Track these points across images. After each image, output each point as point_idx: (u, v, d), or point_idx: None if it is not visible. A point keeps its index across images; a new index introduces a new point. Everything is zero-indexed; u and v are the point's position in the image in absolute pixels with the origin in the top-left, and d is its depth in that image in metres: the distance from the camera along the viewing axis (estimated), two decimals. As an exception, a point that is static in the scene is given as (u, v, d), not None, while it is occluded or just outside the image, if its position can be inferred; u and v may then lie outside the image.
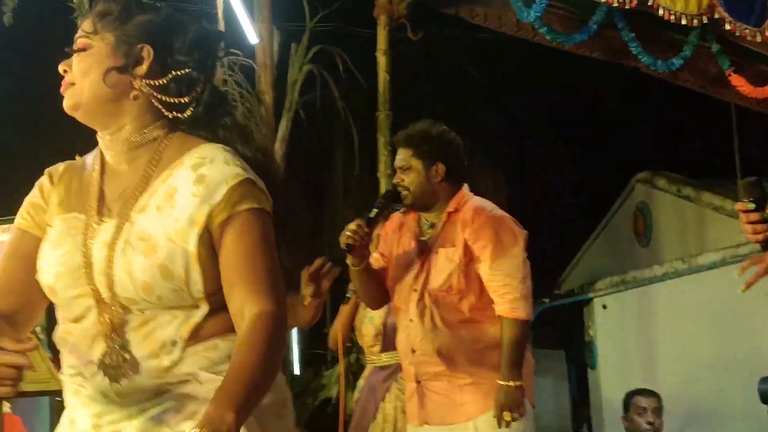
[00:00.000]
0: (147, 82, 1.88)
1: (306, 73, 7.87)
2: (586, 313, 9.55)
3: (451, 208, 3.61)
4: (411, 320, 3.58)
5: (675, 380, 7.56)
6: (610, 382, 8.85)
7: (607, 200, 9.97)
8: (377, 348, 4.68)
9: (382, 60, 6.95)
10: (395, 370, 4.51)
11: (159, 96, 1.89)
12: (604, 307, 9.27)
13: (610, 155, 11.41)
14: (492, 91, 11.24)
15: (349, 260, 3.55)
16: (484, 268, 3.50)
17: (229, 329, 1.81)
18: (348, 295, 4.58)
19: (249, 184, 1.83)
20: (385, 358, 4.60)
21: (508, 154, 10.82)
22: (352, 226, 3.50)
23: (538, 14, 6.22)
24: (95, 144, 1.98)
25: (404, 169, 3.64)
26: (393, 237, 3.75)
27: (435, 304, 3.54)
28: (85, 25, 1.93)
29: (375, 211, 3.60)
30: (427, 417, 3.56)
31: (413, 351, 3.58)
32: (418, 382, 3.58)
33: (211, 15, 6.85)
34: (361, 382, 4.83)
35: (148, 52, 1.88)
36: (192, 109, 1.92)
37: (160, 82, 1.89)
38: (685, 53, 6.71)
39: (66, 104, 1.92)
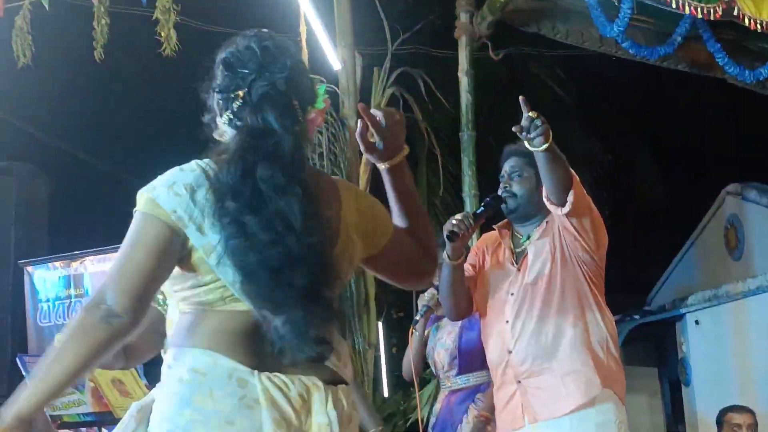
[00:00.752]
0: None
1: (389, 97, 7.94)
2: (678, 329, 9.41)
3: (550, 218, 3.63)
4: (507, 321, 3.58)
5: (771, 396, 7.39)
6: (705, 399, 8.69)
7: (697, 214, 9.82)
8: (453, 372, 4.67)
9: (464, 80, 6.97)
10: (472, 391, 4.51)
11: None
12: (697, 322, 9.12)
13: (699, 168, 11.25)
14: (578, 108, 11.18)
15: (448, 250, 3.55)
16: (572, 230, 3.47)
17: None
18: (417, 317, 4.60)
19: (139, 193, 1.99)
20: (461, 381, 4.59)
21: (596, 172, 10.73)
22: (458, 216, 3.56)
23: (621, 29, 6.19)
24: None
25: (515, 176, 3.69)
26: (487, 250, 3.78)
27: (530, 299, 3.54)
28: None
29: (482, 208, 3.70)
30: (535, 414, 3.51)
31: (509, 352, 3.57)
32: (519, 382, 3.55)
33: (295, 42, 6.98)
34: (437, 407, 4.82)
35: None
36: None
37: None
38: (774, 62, 6.61)
39: None
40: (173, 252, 1.94)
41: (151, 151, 9.13)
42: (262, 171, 1.92)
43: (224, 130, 2.06)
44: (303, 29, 6.89)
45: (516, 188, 3.67)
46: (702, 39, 6.57)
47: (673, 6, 5.95)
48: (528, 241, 3.67)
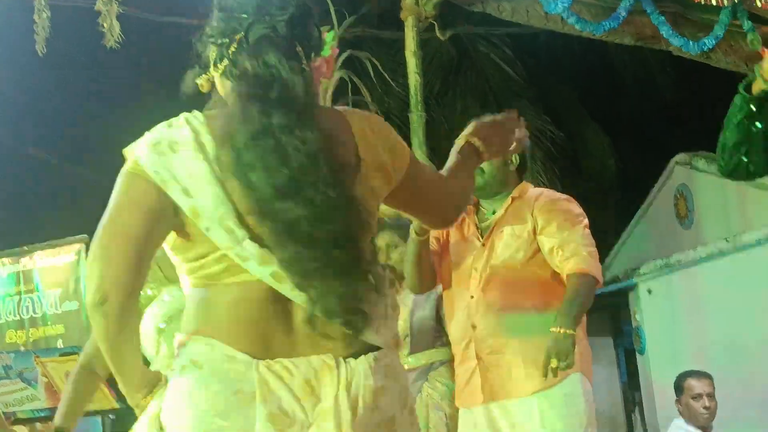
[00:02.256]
0: None
1: (337, 80, 7.91)
2: (631, 299, 9.52)
3: (515, 194, 3.68)
4: (472, 296, 3.59)
5: (725, 361, 7.51)
6: (660, 367, 8.80)
7: (648, 185, 9.92)
8: (405, 351, 4.66)
9: (411, 61, 6.97)
10: (423, 370, 4.50)
11: None
12: (650, 291, 9.23)
13: (648, 139, 11.36)
14: (527, 85, 11.23)
15: (414, 227, 3.56)
16: (550, 239, 3.52)
17: None
18: None
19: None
20: (412, 360, 4.58)
21: (547, 147, 10.79)
22: None
23: (566, 5, 6.23)
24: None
25: None
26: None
27: (498, 280, 3.55)
28: None
29: None
30: (492, 393, 3.53)
31: (474, 327, 3.57)
32: (479, 358, 3.56)
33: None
34: None
35: None
36: None
37: None
38: (717, 33, 6.68)
39: None
40: (165, 215, 1.78)
41: (96, 142, 9.02)
42: (278, 119, 1.74)
43: (220, 83, 1.89)
44: (248, 14, 6.82)
45: (484, 165, 3.60)
46: (646, 12, 6.63)
47: (616, -20, 6.00)
48: (493, 216, 3.69)
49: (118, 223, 1.77)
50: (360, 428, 1.76)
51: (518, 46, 11.07)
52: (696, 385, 5.44)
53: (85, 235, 6.57)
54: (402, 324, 4.60)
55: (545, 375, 3.32)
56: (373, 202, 1.90)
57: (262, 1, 1.85)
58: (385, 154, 1.92)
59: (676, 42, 6.75)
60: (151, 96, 8.87)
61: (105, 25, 6.57)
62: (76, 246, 6.58)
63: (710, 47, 6.78)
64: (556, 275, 3.56)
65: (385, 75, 8.39)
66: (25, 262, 6.74)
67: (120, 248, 1.75)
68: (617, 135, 11.78)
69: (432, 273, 3.76)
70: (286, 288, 1.77)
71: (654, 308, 9.18)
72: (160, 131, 1.83)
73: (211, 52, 1.89)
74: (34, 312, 6.71)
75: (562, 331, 3.33)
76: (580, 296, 3.42)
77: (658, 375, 8.81)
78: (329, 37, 1.93)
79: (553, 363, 3.29)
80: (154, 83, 8.78)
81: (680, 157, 9.31)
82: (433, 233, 3.78)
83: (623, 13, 6.53)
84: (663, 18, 6.61)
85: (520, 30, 9.30)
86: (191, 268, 1.84)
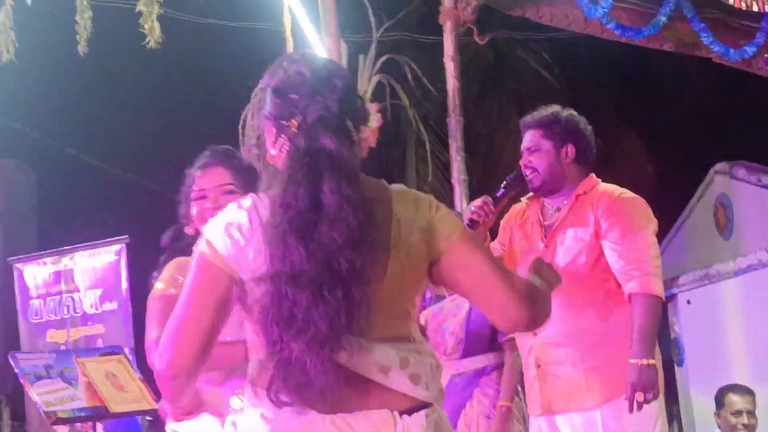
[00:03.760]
0: None
1: (375, 84, 7.92)
2: (670, 310, 9.42)
3: (579, 190, 3.53)
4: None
5: (765, 375, 7.42)
6: (698, 379, 8.71)
7: (687, 194, 9.83)
8: (457, 355, 4.65)
9: (450, 66, 6.96)
10: (476, 375, 4.49)
11: None
12: (689, 302, 9.13)
13: (688, 148, 11.26)
14: (564, 91, 11.18)
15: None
16: (613, 247, 3.38)
17: None
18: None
19: None
20: (465, 365, 4.57)
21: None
22: (477, 202, 3.49)
23: (606, 10, 6.20)
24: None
25: (533, 150, 3.56)
26: (514, 225, 3.67)
27: (559, 286, 3.44)
28: None
29: (502, 190, 3.58)
30: (550, 404, 3.43)
31: (534, 334, 3.42)
32: (539, 366, 3.46)
33: (280, 32, 6.95)
34: None
35: None
36: None
37: None
38: (758, 41, 6.61)
39: None
40: (230, 300, 1.93)
41: (137, 144, 9.09)
42: (330, 183, 1.88)
43: (276, 157, 2.01)
44: (287, 19, 6.87)
45: (536, 163, 3.55)
46: (686, 19, 6.57)
47: (658, -14, 5.95)
48: (558, 214, 3.55)
49: (192, 312, 1.93)
50: None
51: (556, 51, 11.02)
52: (737, 401, 5.32)
53: (126, 236, 6.62)
54: (457, 328, 4.59)
55: (630, 410, 3.23)
56: (398, 287, 1.96)
57: (314, 83, 1.99)
58: (419, 234, 1.98)
59: (716, 49, 6.69)
60: (191, 98, 8.94)
61: (146, 26, 6.62)
62: (117, 247, 6.62)
63: (751, 55, 6.71)
64: (616, 281, 3.42)
65: (423, 79, 8.39)
66: (66, 262, 6.80)
67: (192, 336, 1.91)
68: (656, 142, 11.69)
69: None
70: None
71: (693, 319, 9.09)
72: (230, 212, 1.95)
73: (269, 131, 2.03)
74: (75, 312, 6.77)
75: (643, 362, 3.24)
76: (651, 321, 3.31)
77: (696, 387, 8.71)
78: (373, 110, 1.98)
79: (640, 397, 3.21)
80: (194, 85, 8.85)
81: (720, 166, 9.20)
82: (499, 238, 3.69)
83: (664, 19, 6.48)
84: (704, 25, 6.55)
85: (558, 35, 9.26)
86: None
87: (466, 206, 3.95)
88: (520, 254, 3.57)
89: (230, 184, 2.77)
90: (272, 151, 2.01)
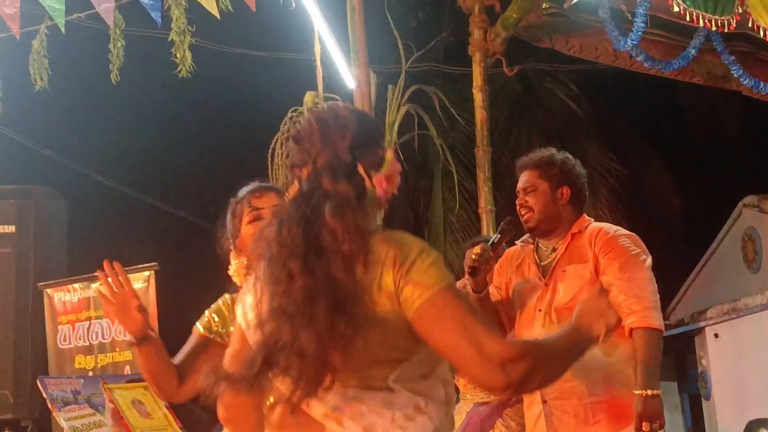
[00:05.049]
0: None
1: (404, 114, 7.96)
2: (697, 343, 9.35)
3: (575, 229, 3.59)
4: (536, 339, 3.48)
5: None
6: (725, 413, 8.63)
7: (714, 227, 9.78)
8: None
9: (478, 97, 6.96)
10: (499, 406, 4.47)
11: None
12: (716, 336, 9.07)
13: (715, 181, 11.21)
14: (592, 122, 11.17)
15: (470, 285, 3.54)
16: (613, 282, 3.43)
17: None
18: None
19: None
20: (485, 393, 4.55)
21: (612, 186, 10.71)
22: (477, 249, 3.53)
23: (635, 42, 6.18)
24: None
25: (529, 190, 3.63)
26: (509, 268, 3.72)
27: (561, 322, 3.44)
28: None
29: (498, 236, 3.64)
30: None
31: None
32: (545, 401, 3.49)
33: (310, 62, 7.01)
34: (457, 418, 4.77)
35: None
36: None
37: None
38: (788, 74, 6.59)
39: None
40: None
41: (168, 172, 9.17)
42: (327, 224, 1.94)
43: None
44: (317, 49, 6.92)
45: (532, 203, 3.61)
46: (716, 51, 6.56)
47: (687, 19, 5.94)
48: (553, 253, 3.61)
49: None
50: None
51: (584, 82, 11.03)
52: None
53: (155, 263, 6.66)
54: None
55: None
56: (387, 336, 1.94)
57: (328, 130, 2.06)
58: (386, 299, 1.94)
59: (746, 82, 6.66)
60: (222, 127, 9.02)
61: (178, 55, 6.69)
62: (146, 274, 6.66)
63: (782, 88, 6.68)
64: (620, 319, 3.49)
65: (451, 110, 8.41)
66: (96, 288, 6.85)
67: None
68: (684, 175, 11.64)
69: (499, 324, 3.68)
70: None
71: (720, 353, 9.02)
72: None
73: (289, 179, 2.11)
74: (103, 338, 6.81)
75: (649, 393, 3.32)
76: (654, 353, 3.38)
77: (723, 421, 8.62)
78: (388, 157, 2.03)
79: (646, 427, 3.29)
80: (225, 114, 8.92)
81: (749, 199, 9.17)
82: (494, 282, 3.74)
83: (693, 52, 6.47)
84: (733, 58, 6.53)
85: (586, 66, 9.27)
86: None
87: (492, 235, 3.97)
88: (518, 294, 3.65)
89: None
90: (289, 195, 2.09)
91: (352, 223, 1.94)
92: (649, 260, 3.54)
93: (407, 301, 1.91)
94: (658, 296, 3.51)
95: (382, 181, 2.06)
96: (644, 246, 3.58)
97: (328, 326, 1.87)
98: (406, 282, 1.92)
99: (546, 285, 3.55)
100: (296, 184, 2.05)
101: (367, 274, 1.93)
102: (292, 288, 1.90)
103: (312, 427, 1.94)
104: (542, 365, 1.94)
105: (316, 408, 1.93)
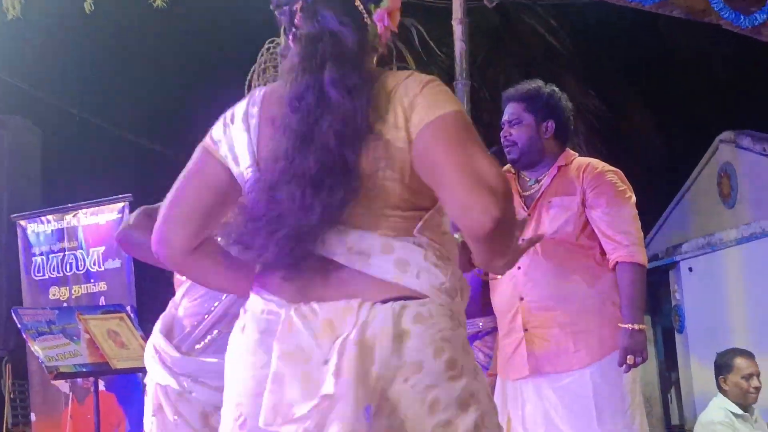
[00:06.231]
0: None
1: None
2: (671, 277, 9.45)
3: (561, 162, 3.61)
4: (519, 268, 3.47)
5: (765, 342, 7.45)
6: (698, 346, 8.76)
7: (692, 163, 9.81)
8: None
9: (458, 29, 6.89)
10: (469, 338, 4.49)
11: None
12: (690, 270, 9.16)
13: (695, 116, 11.21)
14: (572, 57, 11.12)
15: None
16: (600, 216, 3.49)
17: None
18: None
19: None
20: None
21: (589, 120, 10.70)
22: None
23: (615, -25, 6.13)
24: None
25: (514, 123, 3.65)
26: None
27: (546, 252, 3.48)
28: None
29: None
30: (537, 365, 3.50)
31: (521, 299, 3.53)
32: (526, 330, 3.52)
33: None
34: None
35: None
36: None
37: None
38: (768, 8, 6.55)
39: None
40: (221, 184, 1.93)
41: (142, 104, 9.07)
42: (331, 73, 1.81)
43: (290, 48, 1.94)
44: (294, -21, 6.80)
45: (516, 136, 3.63)
46: (697, -16, 6.51)
47: (668, -49, 5.89)
48: (537, 185, 3.63)
49: (182, 193, 1.96)
50: (382, 368, 1.78)
51: (564, 17, 10.94)
52: (747, 364, 5.36)
53: (129, 195, 6.64)
54: None
55: (627, 371, 3.39)
56: (412, 178, 1.85)
57: None
58: (402, 119, 1.84)
59: (727, 15, 6.62)
60: (198, 58, 8.90)
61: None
62: (120, 205, 6.63)
63: (761, 22, 6.65)
64: (601, 248, 3.53)
65: (430, 42, 8.34)
66: (70, 220, 6.81)
67: (183, 216, 1.95)
68: (664, 112, 11.64)
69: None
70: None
71: (694, 287, 9.12)
72: (235, 105, 1.96)
73: (281, 22, 1.97)
74: (78, 269, 6.80)
75: (634, 327, 3.38)
76: (640, 288, 3.45)
77: (696, 354, 8.76)
78: None
79: (630, 360, 3.35)
80: (201, 45, 8.80)
81: (725, 135, 9.19)
82: None
83: (673, -16, 6.41)
84: (715, -9, 6.48)
85: (567, 0, 9.19)
86: None
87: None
88: None
89: None
90: (284, 39, 1.97)
91: (360, 70, 1.83)
92: (634, 198, 3.59)
93: (415, 127, 1.81)
94: (642, 233, 3.57)
95: (384, 16, 1.95)
96: (629, 183, 3.62)
97: (342, 156, 1.78)
98: (413, 108, 1.82)
99: (529, 215, 3.56)
100: (290, 27, 1.92)
101: (376, 111, 1.82)
102: (302, 147, 1.79)
103: (331, 271, 1.84)
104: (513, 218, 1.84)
105: (332, 244, 1.83)
